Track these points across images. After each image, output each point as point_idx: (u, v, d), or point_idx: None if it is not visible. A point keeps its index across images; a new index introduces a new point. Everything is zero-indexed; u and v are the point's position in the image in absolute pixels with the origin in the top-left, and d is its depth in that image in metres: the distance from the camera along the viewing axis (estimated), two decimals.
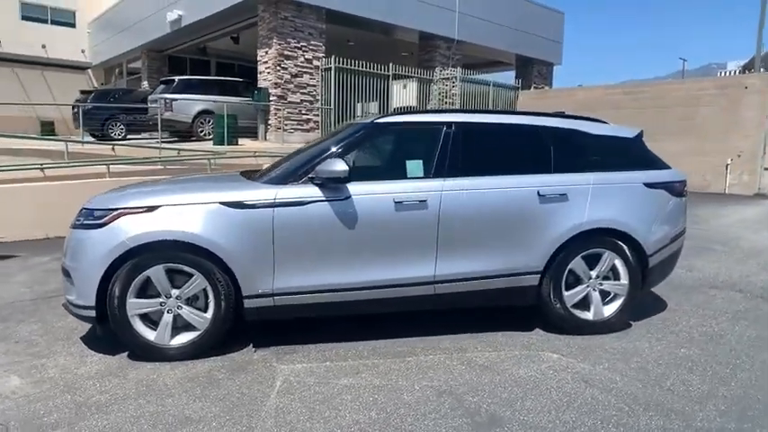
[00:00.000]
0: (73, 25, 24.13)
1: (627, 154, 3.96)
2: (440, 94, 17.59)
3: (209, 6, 15.17)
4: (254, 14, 14.40)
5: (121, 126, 15.44)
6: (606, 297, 3.81)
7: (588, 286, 3.74)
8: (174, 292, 3.23)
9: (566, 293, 3.69)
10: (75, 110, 15.47)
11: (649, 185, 3.84)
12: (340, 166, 3.24)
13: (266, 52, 14.10)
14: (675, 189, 3.95)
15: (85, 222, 3.27)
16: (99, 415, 2.63)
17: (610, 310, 3.79)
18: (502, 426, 2.57)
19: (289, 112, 14.20)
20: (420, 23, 16.66)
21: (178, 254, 3.18)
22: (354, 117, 14.75)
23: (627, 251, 3.73)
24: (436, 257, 3.47)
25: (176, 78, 14.55)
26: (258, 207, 3.26)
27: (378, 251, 3.40)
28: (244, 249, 3.23)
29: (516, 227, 3.56)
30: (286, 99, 14.06)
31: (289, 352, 3.42)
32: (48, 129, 20.51)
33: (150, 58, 20.75)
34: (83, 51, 24.30)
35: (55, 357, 3.32)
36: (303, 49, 14.23)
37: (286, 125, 14.10)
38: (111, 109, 15.13)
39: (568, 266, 3.66)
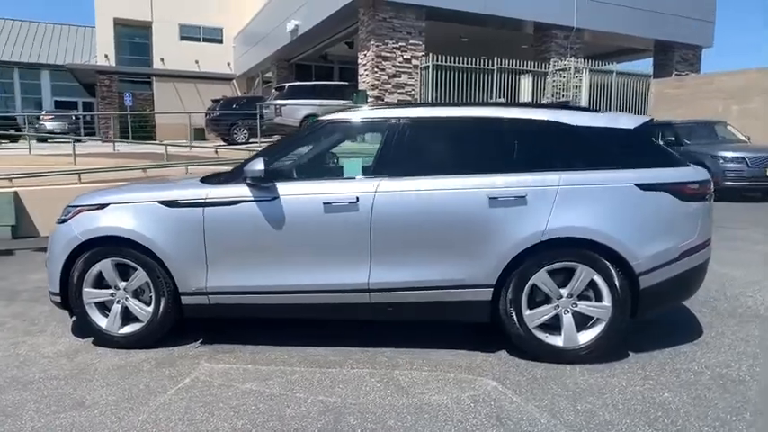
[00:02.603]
0: (221, 41, 27.25)
1: (622, 149, 3.26)
2: (555, 86, 16.33)
3: (318, 15, 15.99)
4: (357, 20, 14.80)
5: (244, 131, 16.99)
6: (589, 321, 3.19)
7: (558, 306, 3.17)
8: (122, 284, 3.46)
9: (526, 312, 3.17)
10: (207, 117, 17.46)
11: (644, 187, 3.12)
12: (257, 165, 3.18)
13: (365, 55, 14.42)
14: (684, 192, 3.15)
15: (60, 218, 3.65)
16: (17, 392, 2.92)
17: (587, 336, 3.17)
18: None
19: None
20: (531, 13, 15.63)
21: (121, 248, 3.39)
22: None
23: (610, 267, 3.08)
24: (370, 263, 3.22)
25: (286, 85, 15.61)
26: (190, 206, 3.34)
27: (307, 254, 3.27)
28: (177, 247, 3.33)
29: (460, 234, 3.15)
30: (383, 100, 14.22)
31: (227, 351, 3.45)
32: (199, 134, 23.48)
33: (279, 67, 22.53)
34: (228, 64, 27.30)
35: (39, 336, 3.77)
36: (402, 49, 14.26)
37: None
38: (235, 116, 16.73)
39: (530, 281, 3.14)
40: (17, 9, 69.54)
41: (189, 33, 26.60)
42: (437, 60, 14.06)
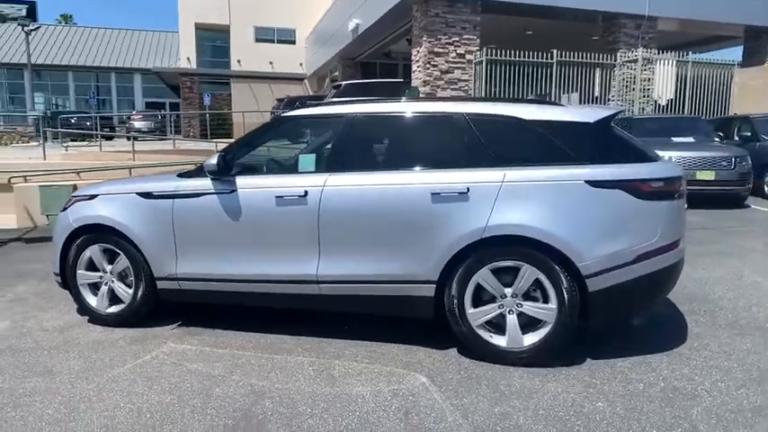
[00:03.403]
0: (293, 42, 28.30)
1: (578, 144, 3.10)
2: (624, 79, 15.37)
3: (376, 13, 16.19)
4: (412, 16, 14.81)
5: None
6: (538, 323, 3.07)
7: (503, 306, 3.08)
8: (109, 268, 3.80)
9: (470, 310, 3.11)
10: (272, 115, 18.25)
11: (595, 184, 2.95)
12: (212, 160, 3.38)
13: (417, 51, 14.41)
14: (642, 189, 2.94)
15: (63, 206, 4.08)
16: (5, 358, 3.33)
17: (532, 338, 3.05)
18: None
19: None
20: (596, 2, 14.80)
21: (106, 235, 3.73)
22: None
23: (556, 268, 2.95)
24: (319, 256, 3.31)
25: (342, 83, 15.95)
26: (162, 197, 3.61)
27: (262, 245, 3.42)
28: (151, 234, 3.61)
29: (402, 229, 3.15)
30: (435, 96, 14.13)
31: (197, 333, 3.68)
32: None
33: (345, 65, 23.05)
34: (300, 64, 28.29)
35: (48, 312, 4.22)
36: (455, 44, 14.08)
37: None
38: None
39: (473, 279, 3.08)
40: (113, 18, 76.61)
41: (264, 35, 27.91)
42: (491, 54, 13.74)
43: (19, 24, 24.38)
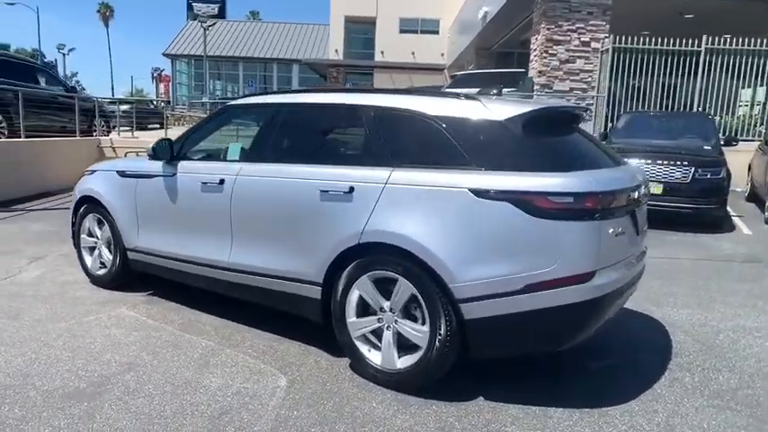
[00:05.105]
0: (437, 32, 28.25)
1: (481, 144, 2.66)
2: None
3: (498, 1, 15.43)
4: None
5: None
6: (416, 346, 2.74)
7: (381, 320, 2.82)
8: (99, 234, 4.33)
9: (350, 319, 2.91)
10: None
11: (480, 194, 2.51)
12: (150, 145, 3.60)
13: (535, 39, 13.38)
14: (537, 205, 2.42)
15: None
16: None
17: (406, 361, 2.76)
18: (97, 399, 2.60)
19: None
20: None
21: (96, 207, 4.25)
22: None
23: (430, 286, 2.60)
24: (231, 243, 3.37)
25: (458, 74, 15.55)
26: (130, 176, 3.98)
27: (191, 227, 3.61)
28: (122, 209, 4.03)
29: (293, 225, 3.06)
30: (551, 88, 13.02)
31: (151, 303, 4.02)
32: None
33: (479, 55, 22.38)
34: (442, 54, 28.16)
35: (72, 268, 4.86)
36: (578, 31, 12.75)
37: None
38: None
39: (354, 287, 2.86)
40: (293, 13, 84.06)
41: (408, 26, 28.35)
42: (619, 42, 12.17)
43: (198, 21, 28.29)
